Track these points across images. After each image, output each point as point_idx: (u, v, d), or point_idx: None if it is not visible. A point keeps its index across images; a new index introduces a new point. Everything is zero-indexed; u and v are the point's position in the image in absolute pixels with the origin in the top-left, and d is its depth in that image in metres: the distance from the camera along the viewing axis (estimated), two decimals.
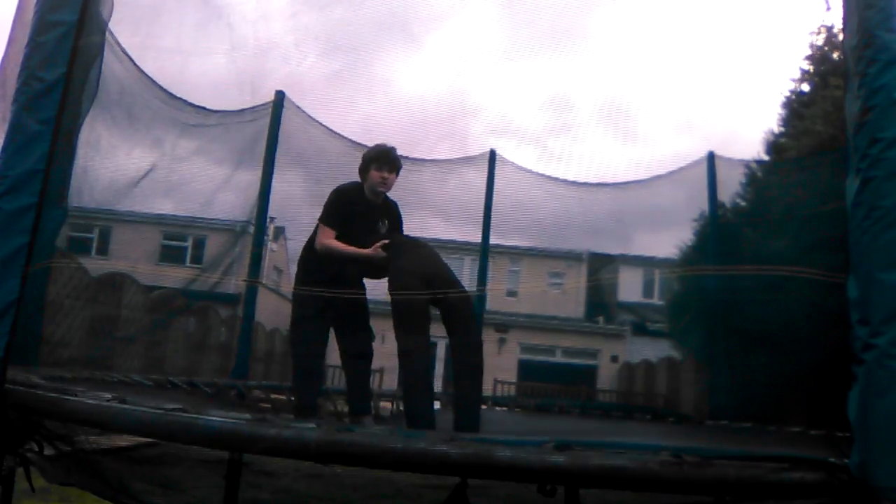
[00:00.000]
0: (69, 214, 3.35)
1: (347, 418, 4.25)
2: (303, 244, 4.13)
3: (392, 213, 4.14)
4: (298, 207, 5.91)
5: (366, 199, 3.98)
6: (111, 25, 3.34)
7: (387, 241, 3.77)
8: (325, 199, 4.00)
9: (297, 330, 4.01)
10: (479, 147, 6.97)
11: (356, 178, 4.05)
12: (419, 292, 3.50)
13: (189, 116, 5.38)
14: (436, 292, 3.51)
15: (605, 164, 6.46)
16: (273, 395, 5.54)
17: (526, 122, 6.20)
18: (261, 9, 4.72)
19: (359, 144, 5.67)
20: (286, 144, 5.99)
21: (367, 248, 3.77)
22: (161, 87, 4.92)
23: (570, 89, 5.50)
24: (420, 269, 3.63)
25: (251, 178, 5.96)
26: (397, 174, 4.03)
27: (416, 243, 3.93)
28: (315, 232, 3.98)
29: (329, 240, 3.86)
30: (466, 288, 4.02)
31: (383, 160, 3.94)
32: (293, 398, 4.13)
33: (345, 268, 3.88)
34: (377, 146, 4.04)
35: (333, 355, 4.29)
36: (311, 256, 3.97)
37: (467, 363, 3.68)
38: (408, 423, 3.50)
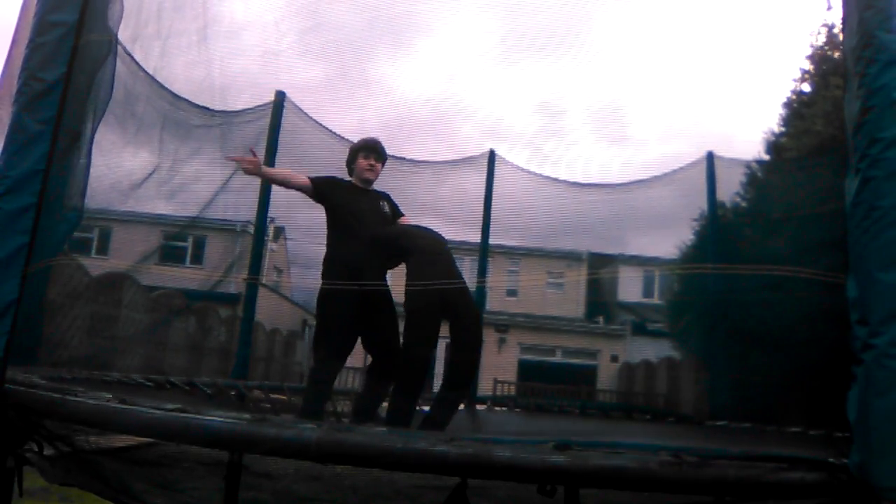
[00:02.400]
0: (83, 216, 3.35)
1: (348, 419, 4.24)
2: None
3: (388, 199, 4.19)
4: (298, 207, 5.91)
5: (358, 188, 4.07)
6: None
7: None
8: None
9: (321, 338, 3.94)
10: (478, 149, 6.99)
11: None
12: (434, 286, 3.50)
13: (191, 117, 5.38)
14: (446, 283, 3.52)
15: (604, 165, 6.50)
16: (273, 395, 5.53)
17: (530, 124, 6.22)
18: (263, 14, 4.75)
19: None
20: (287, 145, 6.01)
21: (376, 231, 3.83)
22: (165, 88, 4.93)
23: (569, 91, 5.51)
24: (436, 288, 3.55)
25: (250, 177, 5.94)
26: (383, 164, 4.16)
27: (434, 248, 3.83)
28: (329, 241, 3.97)
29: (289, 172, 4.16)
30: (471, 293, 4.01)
31: (370, 149, 4.09)
32: (302, 402, 4.09)
33: (368, 273, 3.80)
34: (362, 139, 4.18)
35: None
36: (333, 265, 3.91)
37: (461, 363, 3.72)
38: (388, 420, 3.56)
